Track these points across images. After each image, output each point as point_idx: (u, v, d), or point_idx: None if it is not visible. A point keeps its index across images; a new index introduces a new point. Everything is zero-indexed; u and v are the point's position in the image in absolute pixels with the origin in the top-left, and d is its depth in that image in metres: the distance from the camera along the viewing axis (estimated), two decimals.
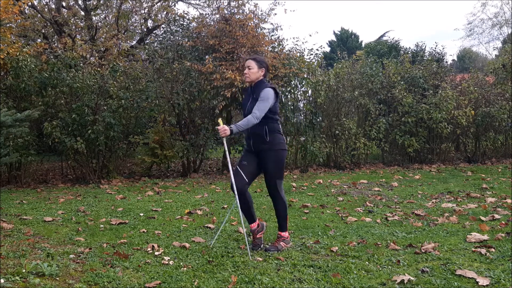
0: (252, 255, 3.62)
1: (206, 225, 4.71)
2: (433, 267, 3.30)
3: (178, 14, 10.95)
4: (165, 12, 13.66)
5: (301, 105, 9.84)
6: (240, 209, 3.79)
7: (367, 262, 3.45)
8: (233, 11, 9.35)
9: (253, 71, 3.80)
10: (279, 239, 3.86)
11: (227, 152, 3.91)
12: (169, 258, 3.57)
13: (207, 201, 6.15)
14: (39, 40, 12.65)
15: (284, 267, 3.36)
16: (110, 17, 14.51)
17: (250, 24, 9.03)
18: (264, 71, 3.84)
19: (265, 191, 6.21)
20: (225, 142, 3.85)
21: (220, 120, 3.85)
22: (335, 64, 10.42)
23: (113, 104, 8.17)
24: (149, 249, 3.82)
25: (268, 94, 3.71)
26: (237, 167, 3.84)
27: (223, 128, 3.65)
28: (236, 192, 3.73)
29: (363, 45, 26.63)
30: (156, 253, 3.72)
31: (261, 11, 11.61)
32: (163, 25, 11.70)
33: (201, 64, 8.75)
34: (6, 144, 7.29)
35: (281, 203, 3.86)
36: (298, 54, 9.69)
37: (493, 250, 3.65)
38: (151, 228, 4.59)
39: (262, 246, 3.86)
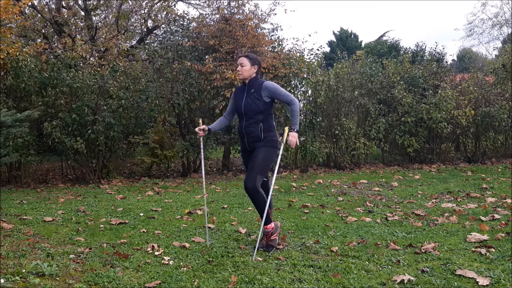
0: (253, 255, 3.62)
1: (206, 225, 4.71)
2: (433, 267, 3.30)
3: (178, 14, 10.96)
4: (165, 12, 13.66)
5: (301, 105, 9.85)
6: (266, 207, 3.78)
7: (367, 262, 3.45)
8: (233, 11, 9.36)
9: (246, 68, 3.87)
10: (268, 236, 3.81)
11: (280, 155, 3.89)
12: (169, 258, 3.57)
13: (207, 201, 6.15)
14: (39, 40, 12.65)
15: (284, 267, 3.36)
16: (110, 17, 14.52)
17: (250, 24, 9.05)
18: (257, 68, 3.92)
19: None
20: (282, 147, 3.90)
21: (286, 128, 3.82)
22: (335, 64, 10.41)
23: (113, 104, 8.17)
24: (149, 249, 3.82)
25: (274, 84, 3.87)
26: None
27: (293, 138, 3.74)
28: (270, 196, 3.82)
29: (362, 45, 26.63)
30: (156, 253, 3.72)
31: (261, 11, 11.62)
32: (163, 25, 11.71)
33: (201, 64, 8.76)
34: (6, 144, 7.30)
35: (261, 198, 3.78)
36: (298, 54, 9.70)
37: (493, 250, 3.65)
38: (151, 228, 4.59)
39: (264, 248, 3.85)
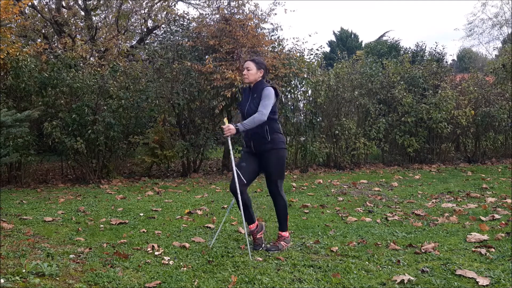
0: (252, 255, 3.62)
1: (206, 225, 4.71)
2: (433, 267, 3.30)
3: (178, 14, 10.96)
4: (165, 12, 13.65)
5: (301, 105, 9.85)
6: (240, 210, 3.81)
7: (367, 262, 3.45)
8: (233, 11, 9.36)
9: (252, 72, 3.84)
10: (280, 239, 3.87)
11: (231, 151, 3.88)
12: (169, 258, 3.57)
13: (207, 201, 6.15)
14: (39, 40, 12.64)
15: (284, 267, 3.36)
16: (110, 17, 14.51)
17: (250, 24, 9.04)
18: (263, 72, 3.89)
19: (265, 191, 6.21)
20: (229, 141, 3.83)
21: (225, 119, 3.81)
22: (335, 64, 10.42)
23: (113, 104, 8.17)
24: (149, 249, 3.82)
25: (270, 93, 3.76)
26: (236, 169, 3.84)
27: (227, 127, 3.66)
28: (238, 194, 3.72)
29: (363, 45, 26.63)
30: (156, 253, 3.72)
31: (261, 11, 11.61)
32: (163, 25, 11.70)
33: (201, 64, 8.76)
34: (6, 144, 7.29)
35: (282, 203, 3.87)
36: (298, 54, 9.69)
37: (493, 250, 3.65)
38: (151, 228, 4.59)
39: (263, 246, 3.86)
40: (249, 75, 3.84)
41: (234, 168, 3.77)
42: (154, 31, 14.03)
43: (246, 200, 3.84)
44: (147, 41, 13.73)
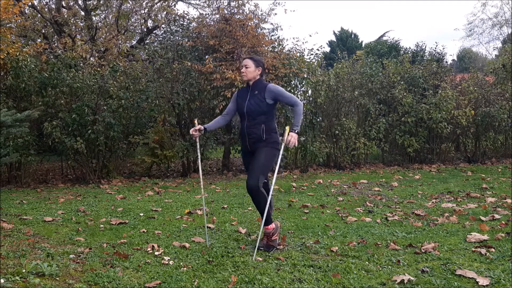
0: (253, 255, 3.62)
1: (206, 225, 4.71)
2: (433, 267, 3.30)
3: (178, 14, 10.97)
4: (165, 12, 13.65)
5: None
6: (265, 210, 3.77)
7: (367, 262, 3.45)
8: (233, 11, 9.37)
9: (250, 70, 3.90)
10: (270, 236, 3.83)
11: (280, 154, 3.82)
12: (169, 258, 3.57)
13: (207, 201, 6.15)
14: (39, 40, 12.64)
15: (284, 267, 3.36)
16: (110, 17, 14.51)
17: (250, 24, 9.05)
18: (261, 70, 3.96)
19: None
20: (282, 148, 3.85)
21: (287, 128, 3.76)
22: (335, 64, 10.42)
23: (113, 104, 8.17)
24: (149, 249, 3.82)
25: (278, 86, 3.90)
26: (273, 172, 3.93)
27: (292, 136, 3.69)
28: (271, 193, 3.78)
29: (363, 45, 26.64)
30: (156, 253, 3.72)
31: (261, 11, 11.62)
32: (163, 25, 11.71)
33: (201, 64, 8.76)
34: (6, 144, 7.30)
35: (262, 198, 3.79)
36: (298, 54, 9.70)
37: (493, 250, 3.65)
38: (151, 228, 4.59)
39: (264, 247, 3.85)
40: (248, 72, 3.90)
41: (278, 168, 3.77)
42: (154, 31, 14.03)
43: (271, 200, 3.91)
44: (147, 41, 13.74)
